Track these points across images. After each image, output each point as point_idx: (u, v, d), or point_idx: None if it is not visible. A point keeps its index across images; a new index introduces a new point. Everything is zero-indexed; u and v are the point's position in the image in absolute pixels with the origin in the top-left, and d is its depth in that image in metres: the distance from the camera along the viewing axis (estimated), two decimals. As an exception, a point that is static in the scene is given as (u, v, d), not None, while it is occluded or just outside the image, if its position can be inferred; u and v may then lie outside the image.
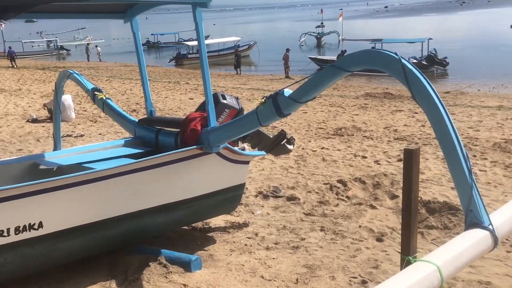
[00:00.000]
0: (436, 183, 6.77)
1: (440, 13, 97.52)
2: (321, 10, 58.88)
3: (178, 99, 18.85)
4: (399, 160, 7.90)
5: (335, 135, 10.66)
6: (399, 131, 11.15)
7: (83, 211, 4.24)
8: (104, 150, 5.18)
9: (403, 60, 3.04)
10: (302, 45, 49.13)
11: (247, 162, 5.18)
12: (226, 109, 4.89)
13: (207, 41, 42.87)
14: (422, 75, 3.00)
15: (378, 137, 10.35)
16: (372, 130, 11.22)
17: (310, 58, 32.44)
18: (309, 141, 9.90)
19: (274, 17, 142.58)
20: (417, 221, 2.66)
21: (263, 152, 5.25)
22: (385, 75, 26.68)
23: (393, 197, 6.19)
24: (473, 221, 2.63)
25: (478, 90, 20.92)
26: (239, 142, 5.34)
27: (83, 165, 4.69)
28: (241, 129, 4.31)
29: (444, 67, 27.12)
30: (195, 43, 41.39)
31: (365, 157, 8.25)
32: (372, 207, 5.95)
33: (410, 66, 3.03)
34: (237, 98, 5.17)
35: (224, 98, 4.95)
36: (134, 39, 5.47)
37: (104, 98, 5.79)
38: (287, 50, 28.02)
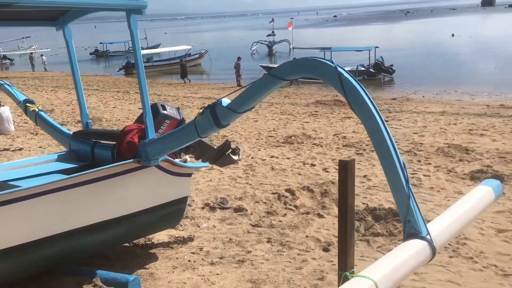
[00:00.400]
0: (382, 189, 6.83)
1: (386, 23, 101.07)
2: (272, 19, 59.58)
3: (126, 109, 18.35)
4: (347, 167, 7.95)
5: (285, 143, 10.63)
6: (348, 138, 11.28)
7: (9, 232, 3.91)
8: (34, 166, 4.84)
9: (339, 68, 2.97)
10: (253, 54, 49.38)
11: (189, 175, 4.99)
12: (167, 120, 4.69)
13: (158, 50, 42.36)
14: (358, 83, 2.94)
15: (327, 144, 10.41)
16: (321, 138, 11.28)
17: (261, 66, 32.56)
18: (259, 150, 9.81)
19: (225, 26, 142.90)
20: (353, 235, 2.58)
21: (206, 164, 5.08)
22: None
23: (340, 205, 6.16)
24: (411, 231, 2.58)
25: (423, 96, 21.66)
26: (182, 153, 5.15)
27: (10, 182, 4.35)
28: (180, 141, 4.12)
29: (391, 74, 27.96)
30: (145, 51, 40.73)
31: (314, 165, 8.24)
32: (320, 216, 5.90)
33: (346, 75, 2.96)
34: (178, 108, 4.98)
35: (164, 108, 4.75)
36: (67, 47, 5.17)
37: (37, 110, 5.45)
38: (238, 58, 28.03)
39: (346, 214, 2.35)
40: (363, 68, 27.66)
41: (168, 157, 4.50)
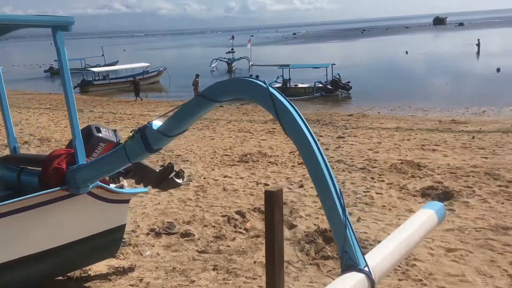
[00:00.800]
0: (334, 209, 6.71)
1: (343, 40, 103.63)
2: (232, 36, 59.85)
3: (78, 129, 17.68)
4: (300, 186, 7.79)
5: (240, 161, 10.41)
6: (303, 155, 11.18)
7: None
8: (-48, 196, 4.40)
9: (271, 89, 2.78)
10: (213, 71, 49.26)
11: (126, 201, 4.67)
12: (101, 143, 4.38)
13: (114, 67, 41.56)
14: (291, 105, 2.76)
15: (283, 162, 10.27)
16: (277, 155, 11.14)
17: (220, 83, 32.49)
18: (213, 169, 9.54)
19: (185, 43, 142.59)
20: (282, 272, 2.36)
21: (145, 189, 4.78)
22: (295, 98, 27.41)
23: (291, 227, 5.98)
24: (349, 263, 2.39)
25: (379, 112, 22.05)
26: (121, 178, 4.83)
27: None
28: (110, 167, 3.82)
29: (348, 91, 28.41)
30: (101, 69, 39.90)
31: (267, 185, 8.04)
32: (270, 239, 5.68)
33: (279, 96, 2.78)
34: (114, 131, 4.67)
35: (98, 131, 4.43)
36: None
37: None
38: (197, 76, 27.82)
39: (274, 251, 2.12)
40: (320, 85, 28.00)
41: (101, 184, 4.18)
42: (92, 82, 37.37)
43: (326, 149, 12.13)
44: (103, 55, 59.65)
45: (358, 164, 9.82)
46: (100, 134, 4.38)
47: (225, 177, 8.73)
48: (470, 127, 16.50)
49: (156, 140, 3.35)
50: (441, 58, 48.39)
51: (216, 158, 10.89)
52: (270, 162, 10.27)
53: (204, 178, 8.59)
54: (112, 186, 4.43)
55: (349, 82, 28.89)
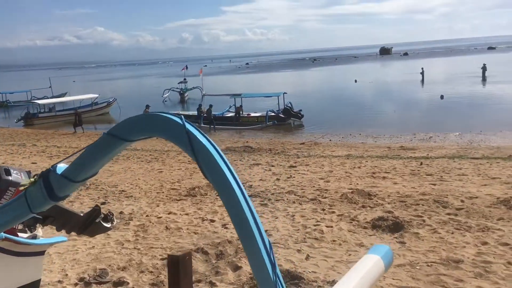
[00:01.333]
0: (282, 246, 6.32)
1: (295, 69, 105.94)
2: (185, 66, 59.57)
3: (18, 164, 16.58)
4: (247, 222, 7.40)
5: (187, 196, 9.91)
6: (254, 187, 10.83)
7: None
8: None
9: (188, 126, 2.38)
10: (165, 101, 48.64)
11: (41, 253, 4.09)
12: (11, 187, 3.81)
13: (61, 99, 40.18)
14: (212, 144, 2.38)
15: (231, 195, 9.85)
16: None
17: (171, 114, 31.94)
18: (158, 205, 8.98)
19: (137, 74, 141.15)
20: None
21: (63, 238, 4.22)
22: (247, 128, 27.33)
23: (236, 268, 5.54)
24: (282, 330, 2.00)
25: (330, 140, 22.19)
26: (38, 225, 4.26)
27: None
28: (8, 219, 3.28)
29: (300, 119, 28.59)
30: (47, 101, 38.43)
31: (213, 221, 7.59)
32: (212, 284, 5.21)
33: (197, 134, 2.38)
34: (29, 172, 4.12)
35: (8, 173, 3.86)
36: None
37: None
38: (147, 106, 27.19)
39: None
40: (273, 114, 28.05)
41: (7, 235, 3.61)
42: (37, 115, 35.83)
43: (278, 179, 11.86)
44: (50, 87, 57.81)
45: (309, 194, 9.55)
46: (9, 177, 3.80)
47: (169, 213, 8.20)
48: (418, 153, 16.79)
49: (61, 186, 2.85)
50: (388, 86, 50.11)
51: (163, 192, 10.34)
52: (218, 195, 9.82)
53: (147, 215, 8.02)
54: (22, 236, 3.85)
55: (300, 110, 29.11)
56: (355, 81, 56.57)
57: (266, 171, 13.52)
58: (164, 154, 18.24)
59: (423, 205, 8.25)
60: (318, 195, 9.53)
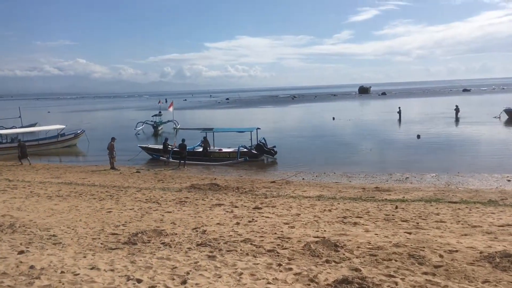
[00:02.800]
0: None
1: (274, 106, 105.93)
2: (165, 100, 58.63)
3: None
4: (183, 283, 6.07)
5: (126, 243, 8.54)
6: (208, 232, 9.54)
7: None
8: None
9: None
10: (138, 134, 47.24)
11: None
12: None
13: (22, 129, 38.33)
14: None
15: (179, 243, 8.53)
16: (176, 234, 9.39)
17: (140, 147, 30.55)
18: (85, 257, 7.57)
19: (115, 106, 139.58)
20: None
21: None
22: (217, 164, 26.06)
23: None
24: None
25: (303, 179, 21.07)
26: None
27: None
28: None
29: (273, 155, 27.51)
30: (10, 131, 36.59)
31: (140, 281, 6.22)
32: None
33: None
34: None
35: None
36: None
37: None
38: (112, 139, 25.71)
39: None
40: (245, 150, 26.92)
41: None
42: (-4, 146, 33.96)
43: (237, 223, 10.60)
44: (19, 117, 55.84)
45: (268, 244, 8.31)
46: None
47: (92, 268, 6.79)
48: (393, 195, 15.77)
49: None
50: (366, 124, 49.79)
51: (99, 238, 8.94)
52: (163, 243, 8.50)
53: (62, 272, 6.60)
54: None
55: (274, 146, 28.10)
56: (333, 118, 56.25)
57: (227, 213, 12.26)
58: (122, 191, 16.82)
59: (396, 260, 7.09)
60: (278, 245, 8.29)
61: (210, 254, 7.59)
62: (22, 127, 49.26)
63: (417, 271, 6.50)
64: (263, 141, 28.00)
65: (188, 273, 6.35)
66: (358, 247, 8.10)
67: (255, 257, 7.42)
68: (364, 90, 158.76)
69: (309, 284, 5.95)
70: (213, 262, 7.04)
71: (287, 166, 25.28)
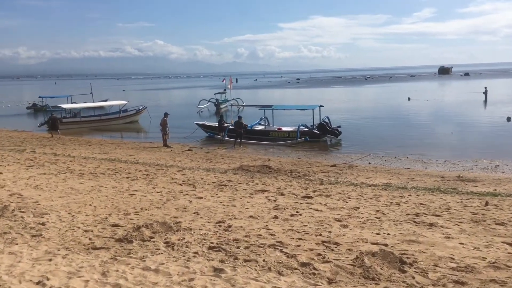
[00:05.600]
0: None
1: (346, 86, 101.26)
2: (224, 78, 57.17)
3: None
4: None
5: (120, 240, 6.59)
6: (232, 229, 7.41)
7: None
8: None
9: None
10: (202, 112, 46.14)
11: None
12: None
13: (85, 104, 38.34)
14: None
15: (187, 243, 6.45)
16: (191, 229, 7.33)
17: (197, 124, 29.04)
18: (49, 260, 5.66)
19: (190, 85, 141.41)
20: None
21: None
22: (276, 144, 23.88)
23: None
24: None
25: (369, 163, 18.29)
26: None
27: None
28: None
29: (337, 136, 24.75)
30: (73, 105, 36.71)
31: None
32: None
33: None
34: None
35: None
36: None
37: None
38: (165, 114, 24.27)
39: None
40: (306, 129, 24.39)
41: None
42: (60, 120, 34.08)
43: (275, 217, 8.36)
44: (91, 93, 57.07)
45: (304, 253, 6.00)
46: None
47: (37, 283, 4.85)
48: (481, 187, 12.69)
49: None
50: (446, 105, 45.09)
51: (92, 231, 7.07)
52: (167, 242, 6.46)
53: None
54: None
55: (339, 126, 25.29)
56: (408, 99, 51.78)
57: (268, 201, 10.04)
58: (162, 170, 15.16)
59: (498, 296, 4.49)
60: (319, 254, 5.95)
61: (219, 265, 5.42)
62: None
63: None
64: (326, 120, 25.30)
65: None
66: (436, 265, 5.56)
67: (280, 274, 5.15)
68: (445, 71, 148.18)
69: None
70: (215, 281, 4.85)
71: (353, 149, 22.50)
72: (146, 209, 8.90)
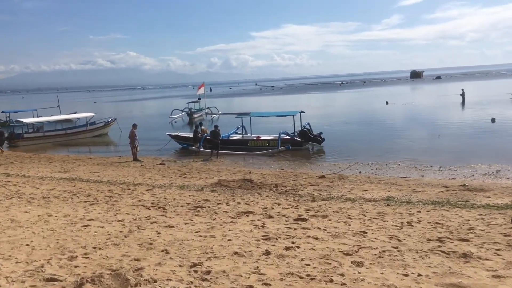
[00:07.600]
0: None
1: (321, 92, 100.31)
2: (199, 85, 55.23)
3: None
4: None
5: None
6: (211, 279, 5.52)
7: None
8: None
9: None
10: (175, 122, 44.02)
11: None
12: None
13: (48, 118, 35.76)
14: None
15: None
16: (157, 281, 5.40)
17: (169, 135, 26.98)
18: None
19: (162, 95, 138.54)
20: None
21: None
22: (256, 154, 22.09)
23: None
24: None
25: (360, 172, 16.66)
26: None
27: None
28: None
29: (320, 143, 23.12)
30: (35, 119, 34.15)
31: None
32: None
33: None
34: None
35: None
36: None
37: None
38: (134, 126, 22.15)
39: None
40: (287, 137, 22.67)
41: None
42: (21, 135, 31.51)
43: (267, 252, 6.51)
44: (58, 106, 54.16)
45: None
46: None
47: None
48: (494, 198, 11.14)
49: None
50: (425, 108, 44.20)
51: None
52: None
53: None
54: None
55: (321, 133, 23.68)
56: (387, 103, 50.81)
57: (255, 228, 8.21)
58: (129, 189, 13.15)
59: None
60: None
61: None
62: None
63: None
64: (307, 126, 23.66)
65: None
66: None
67: None
68: (416, 75, 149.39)
69: None
70: None
71: (337, 156, 20.88)
72: (100, 248, 6.92)
